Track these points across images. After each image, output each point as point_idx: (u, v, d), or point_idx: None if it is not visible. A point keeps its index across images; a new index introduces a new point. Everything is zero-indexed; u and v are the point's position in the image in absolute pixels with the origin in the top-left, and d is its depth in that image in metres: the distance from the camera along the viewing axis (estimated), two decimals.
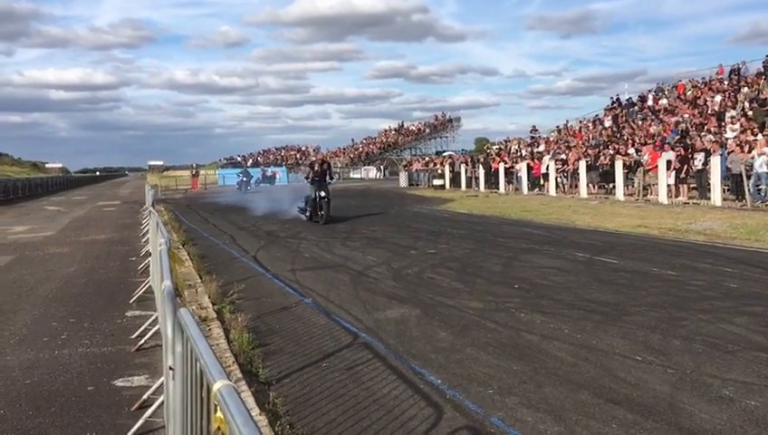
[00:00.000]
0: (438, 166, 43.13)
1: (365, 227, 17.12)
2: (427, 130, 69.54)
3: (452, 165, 40.61)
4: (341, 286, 9.17)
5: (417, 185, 42.53)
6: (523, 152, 36.99)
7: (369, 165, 63.62)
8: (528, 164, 31.70)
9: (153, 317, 6.69)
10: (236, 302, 8.03)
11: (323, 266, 11.01)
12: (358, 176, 59.86)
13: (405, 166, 50.88)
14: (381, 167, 61.72)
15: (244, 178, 42.12)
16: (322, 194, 18.08)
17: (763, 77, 30.68)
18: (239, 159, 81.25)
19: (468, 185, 36.42)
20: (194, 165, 57.78)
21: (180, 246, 13.19)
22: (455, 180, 38.06)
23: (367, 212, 21.58)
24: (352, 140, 76.12)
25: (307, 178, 18.95)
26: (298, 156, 76.66)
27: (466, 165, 38.51)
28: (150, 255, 9.22)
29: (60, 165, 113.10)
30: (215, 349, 5.84)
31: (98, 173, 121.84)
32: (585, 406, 4.56)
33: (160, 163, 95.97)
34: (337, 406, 4.71)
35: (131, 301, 8.36)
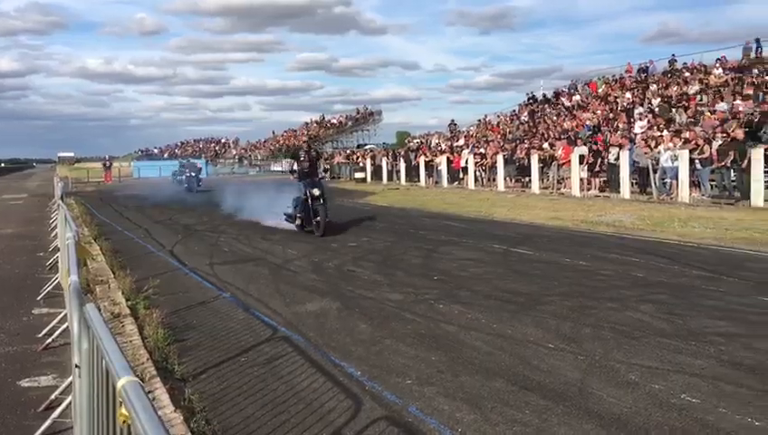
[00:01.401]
0: (360, 159, 43.25)
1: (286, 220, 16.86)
2: (349, 124, 69.47)
3: (373, 158, 40.80)
4: (261, 280, 9.07)
5: (339, 178, 42.50)
6: (443, 146, 37.54)
7: (290, 158, 63.00)
8: (448, 158, 32.17)
9: (62, 314, 6.42)
10: (152, 297, 7.81)
11: (243, 260, 10.85)
12: (279, 169, 59.18)
13: (326, 159, 50.74)
14: None
15: (191, 173, 30.48)
16: (315, 193, 13.26)
17: (669, 75, 32.22)
18: (155, 150, 79.03)
19: (390, 178, 36.66)
20: (107, 157, 55.58)
21: (92, 241, 12.72)
22: (376, 173, 38.24)
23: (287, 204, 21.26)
24: (273, 133, 75.20)
25: (292, 172, 14.56)
26: (217, 148, 75.24)
27: (388, 158, 38.76)
28: (60, 250, 8.84)
29: None
30: (128, 346, 5.69)
31: (2, 164, 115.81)
32: (500, 393, 4.68)
33: (71, 155, 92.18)
34: (255, 401, 4.65)
35: (39, 298, 8.00)
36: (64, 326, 5.97)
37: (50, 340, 6.09)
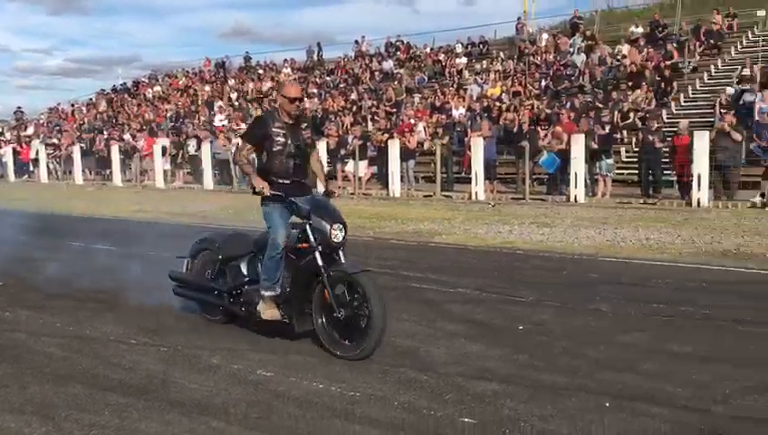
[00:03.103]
0: None
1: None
2: None
3: None
4: None
5: None
6: (9, 136, 33.67)
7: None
8: (15, 148, 29.07)
9: None
10: None
11: None
12: None
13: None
14: None
15: None
16: (337, 237, 5.11)
17: (245, 72, 34.05)
18: None
19: None
20: None
21: None
22: None
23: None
24: None
25: (255, 192, 5.31)
26: None
27: None
28: None
29: None
30: None
31: None
32: (77, 399, 4.39)
33: None
34: None
35: None
36: None
37: None
